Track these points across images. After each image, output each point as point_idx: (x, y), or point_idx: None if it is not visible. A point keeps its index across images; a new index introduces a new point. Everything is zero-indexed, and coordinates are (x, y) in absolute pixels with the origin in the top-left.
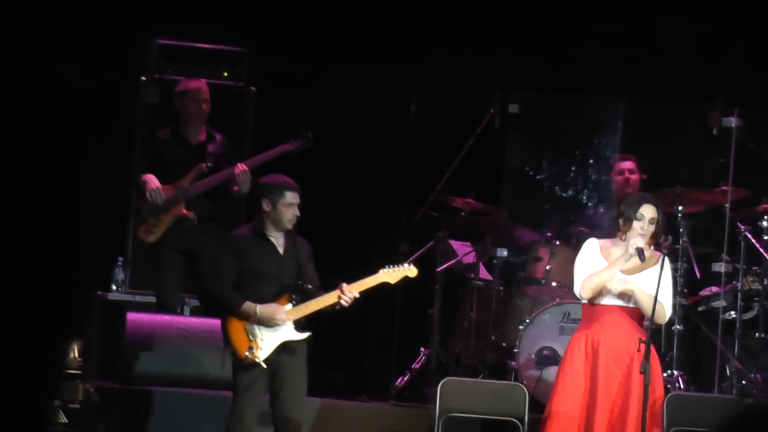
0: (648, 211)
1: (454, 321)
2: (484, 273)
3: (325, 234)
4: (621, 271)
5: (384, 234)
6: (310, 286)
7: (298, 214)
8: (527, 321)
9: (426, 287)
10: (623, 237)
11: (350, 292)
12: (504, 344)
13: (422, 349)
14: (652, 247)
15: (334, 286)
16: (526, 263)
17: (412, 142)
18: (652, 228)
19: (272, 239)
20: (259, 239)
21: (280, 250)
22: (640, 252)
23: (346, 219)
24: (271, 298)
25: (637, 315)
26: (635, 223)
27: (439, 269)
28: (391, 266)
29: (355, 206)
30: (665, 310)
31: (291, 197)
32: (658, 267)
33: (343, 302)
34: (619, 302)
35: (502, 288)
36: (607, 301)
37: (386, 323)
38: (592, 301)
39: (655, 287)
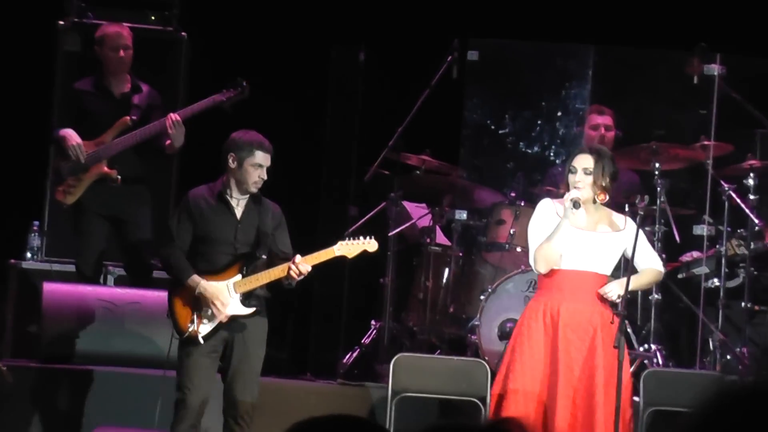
0: (581, 161)
1: (409, 291)
2: (441, 238)
3: (265, 196)
4: (578, 228)
5: (331, 196)
6: (264, 257)
7: (264, 177)
8: (489, 291)
9: (377, 254)
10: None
11: (302, 264)
12: (463, 316)
13: (373, 322)
14: (606, 197)
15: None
16: (487, 227)
17: (361, 95)
18: (589, 179)
19: (232, 202)
20: (217, 201)
21: (238, 214)
22: (574, 203)
23: (288, 180)
24: (222, 268)
25: (600, 281)
26: (569, 177)
27: (391, 234)
28: (349, 239)
29: (299, 166)
30: (661, 270)
31: (261, 158)
32: (625, 233)
33: (292, 274)
34: (581, 266)
35: (461, 254)
36: (566, 264)
37: (333, 294)
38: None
39: (630, 251)
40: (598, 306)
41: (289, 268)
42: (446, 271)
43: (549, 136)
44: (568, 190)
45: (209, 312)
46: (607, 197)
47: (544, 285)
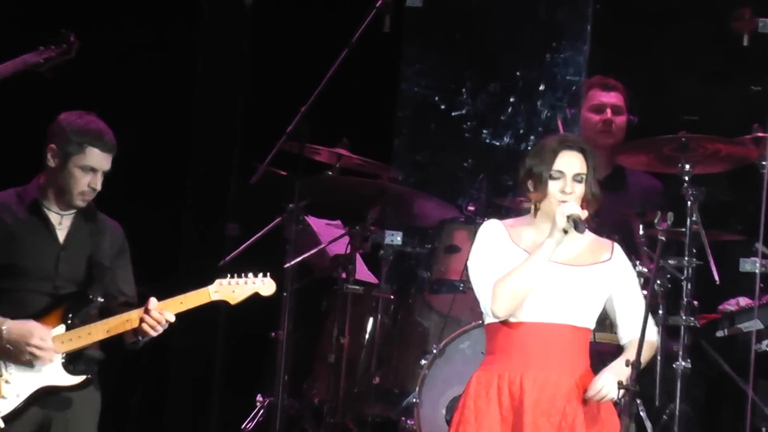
0: (570, 163)
1: (313, 351)
2: (363, 272)
3: (106, 207)
4: (552, 261)
5: (200, 207)
6: (101, 300)
7: (98, 188)
8: (434, 352)
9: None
10: (535, 209)
11: (161, 312)
12: (396, 390)
13: (259, 397)
14: (585, 220)
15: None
16: (433, 256)
17: (248, 57)
18: (581, 188)
19: (51, 216)
20: (28, 215)
21: (61, 235)
22: (575, 222)
23: (138, 183)
24: (35, 313)
25: (580, 337)
26: (551, 185)
27: (288, 265)
28: (234, 278)
29: (152, 161)
30: (655, 337)
31: (97, 158)
32: (611, 264)
33: (146, 328)
34: (552, 317)
35: (393, 297)
36: (530, 315)
37: (200, 354)
38: (508, 318)
39: (622, 298)
40: (577, 374)
41: (142, 318)
42: (370, 321)
43: (526, 121)
44: (538, 200)
45: (12, 378)
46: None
47: (498, 345)
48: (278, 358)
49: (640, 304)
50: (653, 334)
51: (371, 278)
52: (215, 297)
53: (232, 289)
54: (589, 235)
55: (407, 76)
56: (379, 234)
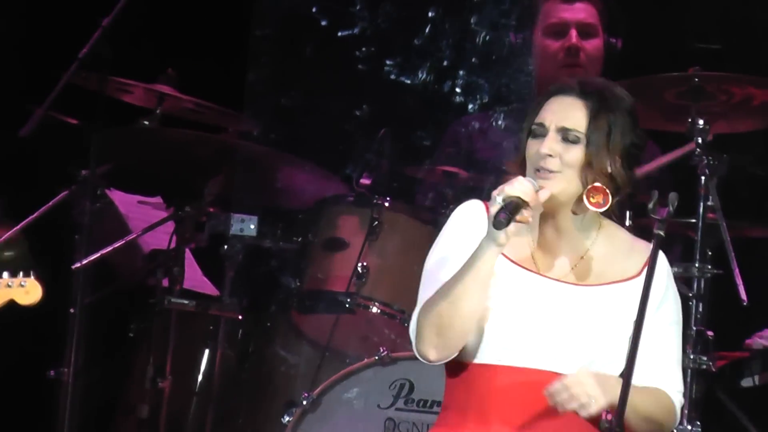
0: (557, 111)
1: (118, 401)
2: (196, 278)
3: None
4: (537, 273)
5: None
6: None
7: None
8: (304, 404)
9: (46, 313)
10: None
11: None
12: None
13: None
14: (608, 200)
15: None
16: (305, 255)
17: None
18: (574, 154)
19: None
20: None
21: None
22: (508, 206)
23: None
24: None
25: None
26: (529, 143)
27: (78, 265)
28: None
29: None
30: (675, 407)
31: None
32: (640, 282)
33: None
34: (545, 363)
35: (241, 317)
36: (503, 356)
37: None
38: (463, 359)
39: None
40: None
41: None
42: (206, 355)
43: (453, 48)
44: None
45: None
46: (610, 199)
47: (455, 398)
48: (60, 409)
49: (672, 345)
50: (677, 394)
51: (208, 288)
52: None
53: None
54: (610, 229)
55: None
56: (221, 220)
